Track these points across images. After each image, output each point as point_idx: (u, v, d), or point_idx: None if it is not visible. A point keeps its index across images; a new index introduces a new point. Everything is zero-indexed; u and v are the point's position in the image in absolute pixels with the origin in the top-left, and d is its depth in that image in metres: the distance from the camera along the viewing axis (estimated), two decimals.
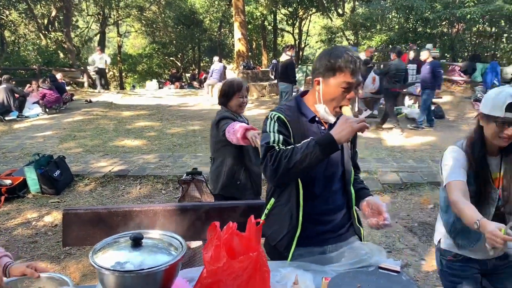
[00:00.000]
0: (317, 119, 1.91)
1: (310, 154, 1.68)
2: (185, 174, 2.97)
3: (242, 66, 15.23)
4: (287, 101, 2.05)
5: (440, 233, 2.26)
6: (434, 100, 10.90)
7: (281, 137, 1.82)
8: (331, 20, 24.40)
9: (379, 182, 5.64)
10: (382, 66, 9.85)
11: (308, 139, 1.75)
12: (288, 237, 1.91)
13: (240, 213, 2.33)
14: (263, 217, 2.01)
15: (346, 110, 1.83)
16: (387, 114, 8.88)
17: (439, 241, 2.25)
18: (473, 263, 2.13)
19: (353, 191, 2.00)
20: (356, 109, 8.78)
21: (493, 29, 16.24)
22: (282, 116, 1.87)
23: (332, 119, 1.86)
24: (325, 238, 1.95)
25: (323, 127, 1.92)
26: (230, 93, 3.04)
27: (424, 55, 9.22)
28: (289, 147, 1.76)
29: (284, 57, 9.97)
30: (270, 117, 1.90)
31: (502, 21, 15.29)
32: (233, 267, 1.42)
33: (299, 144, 1.75)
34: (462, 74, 13.55)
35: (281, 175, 1.73)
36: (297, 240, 1.91)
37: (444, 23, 16.40)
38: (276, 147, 1.79)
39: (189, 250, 2.80)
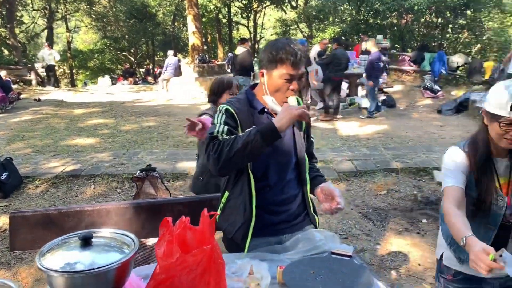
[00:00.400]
0: (266, 110, 1.93)
1: (251, 142, 1.69)
2: (138, 171, 2.91)
3: (197, 60, 15.06)
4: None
5: (441, 246, 2.03)
6: (385, 89, 11.27)
7: (225, 127, 1.83)
8: (285, 12, 24.56)
9: (334, 171, 5.77)
10: (324, 56, 10.06)
11: (250, 128, 1.77)
12: (244, 229, 1.92)
13: (196, 207, 2.31)
14: (218, 210, 2.02)
15: (291, 100, 1.86)
16: (338, 103, 9.13)
17: (441, 256, 2.03)
18: (476, 283, 1.88)
19: (308, 179, 2.03)
20: (309, 101, 8.91)
21: (439, 19, 16.91)
22: (230, 108, 1.89)
23: (275, 109, 1.87)
24: (280, 228, 1.98)
25: (273, 118, 1.94)
26: (220, 91, 3.02)
27: (367, 45, 9.50)
28: (232, 136, 1.79)
29: (240, 50, 9.95)
30: (219, 109, 1.92)
31: (447, 12, 15.94)
32: (187, 262, 1.41)
33: (242, 133, 1.78)
34: (411, 64, 14.05)
35: (223, 164, 1.75)
36: (252, 231, 1.92)
37: (393, 14, 16.89)
38: (220, 137, 1.81)
39: (146, 248, 2.75)
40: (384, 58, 12.92)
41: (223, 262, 1.52)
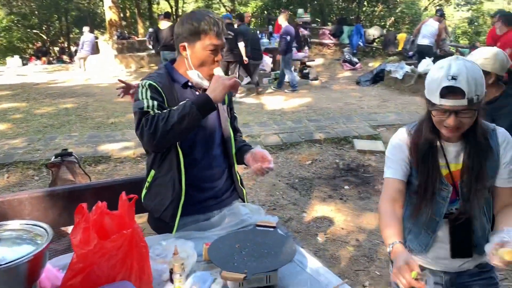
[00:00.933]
0: (190, 84, 1.88)
1: (188, 114, 1.67)
2: (53, 157, 2.73)
3: (116, 37, 14.33)
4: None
5: None
6: (308, 63, 11.54)
7: (155, 102, 1.77)
8: None
9: (262, 145, 5.85)
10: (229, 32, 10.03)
11: (184, 101, 1.73)
12: (173, 207, 1.88)
13: (118, 190, 2.22)
14: (144, 190, 1.95)
15: (217, 70, 1.83)
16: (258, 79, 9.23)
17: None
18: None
19: (234, 153, 2.03)
20: (237, 76, 8.90)
21: None
22: (153, 83, 1.81)
23: (206, 84, 1.83)
24: (209, 205, 1.97)
25: (197, 92, 1.91)
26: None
27: (279, 19, 9.63)
28: (165, 110, 1.73)
29: (164, 25, 9.57)
30: (142, 85, 1.83)
31: None
32: (105, 248, 1.35)
33: (175, 107, 1.73)
34: (331, 37, 14.47)
35: (160, 139, 1.70)
36: (181, 209, 1.90)
37: None
38: (151, 112, 1.74)
39: (67, 237, 2.61)
40: (305, 32, 13.22)
41: (146, 245, 1.49)
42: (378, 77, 10.39)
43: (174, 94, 1.85)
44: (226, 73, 8.70)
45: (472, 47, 12.28)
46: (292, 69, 10.11)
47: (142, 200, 1.95)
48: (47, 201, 2.19)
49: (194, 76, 1.83)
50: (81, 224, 1.37)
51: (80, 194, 2.23)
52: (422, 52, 9.49)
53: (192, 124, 1.71)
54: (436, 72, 1.45)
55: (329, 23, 17.74)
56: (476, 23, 16.52)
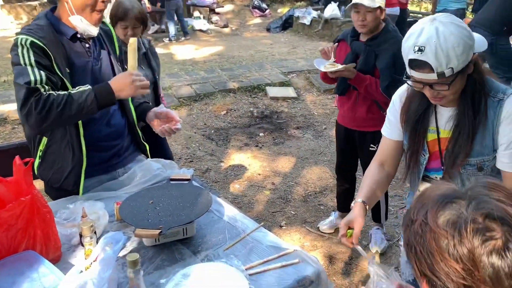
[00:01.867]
0: (79, 36, 1.71)
1: (87, 107, 1.58)
2: None
3: None
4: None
5: None
6: (217, 9, 11.21)
7: (42, 73, 1.57)
8: None
9: (174, 97, 5.69)
10: None
11: (85, 88, 1.60)
12: (75, 173, 1.76)
13: (14, 155, 2.02)
14: (37, 160, 1.78)
15: (132, 57, 1.67)
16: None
17: None
18: None
19: (132, 108, 1.93)
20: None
21: None
22: (36, 41, 1.58)
23: (94, 31, 1.68)
24: (112, 164, 1.88)
25: (87, 45, 1.74)
26: (112, 21, 2.41)
27: None
28: (62, 93, 1.57)
29: None
30: (21, 43, 1.58)
31: None
32: (2, 218, 1.24)
33: (74, 92, 1.58)
34: None
35: (50, 124, 1.59)
36: (84, 172, 1.78)
37: None
38: (42, 90, 1.56)
39: None
40: None
41: (50, 210, 1.40)
42: (287, 23, 10.45)
43: (62, 51, 1.65)
44: None
45: None
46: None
47: (36, 171, 1.80)
48: None
49: (78, 23, 1.65)
50: None
51: None
52: None
53: (87, 115, 1.64)
54: (407, 39, 1.28)
55: None
56: None
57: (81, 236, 1.44)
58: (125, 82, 1.61)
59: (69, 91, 1.60)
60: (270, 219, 3.25)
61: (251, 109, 5.48)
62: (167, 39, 9.04)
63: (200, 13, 10.94)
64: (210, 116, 5.34)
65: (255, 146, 4.51)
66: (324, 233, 3.04)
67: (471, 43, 1.25)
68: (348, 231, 1.35)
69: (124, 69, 1.88)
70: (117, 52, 1.89)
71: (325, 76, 2.46)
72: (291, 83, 6.28)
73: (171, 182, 1.69)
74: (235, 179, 3.86)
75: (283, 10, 11.98)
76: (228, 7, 12.64)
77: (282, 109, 5.51)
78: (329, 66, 2.30)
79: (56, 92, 1.58)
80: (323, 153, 4.35)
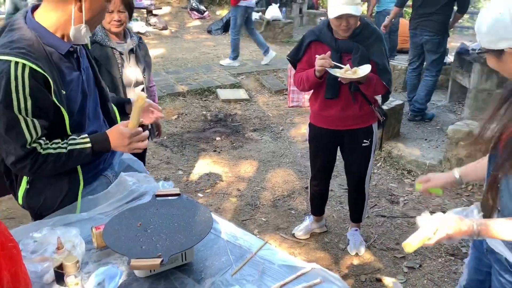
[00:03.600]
0: (72, 51, 1.43)
1: (83, 159, 1.42)
2: None
3: None
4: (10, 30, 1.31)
5: None
6: (154, 11, 10.80)
7: (37, 125, 1.31)
8: None
9: None
10: None
11: (86, 146, 1.40)
12: (70, 197, 1.52)
13: None
14: (23, 187, 1.48)
15: (135, 114, 1.43)
16: None
17: None
18: None
19: (116, 111, 1.71)
20: None
21: None
22: (36, 68, 1.26)
23: (85, 40, 1.44)
24: (99, 168, 1.63)
25: (75, 55, 1.46)
26: None
27: None
28: (61, 153, 1.36)
29: None
30: (15, 74, 1.23)
31: None
32: None
33: (74, 148, 1.38)
34: None
35: (43, 175, 1.43)
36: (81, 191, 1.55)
37: None
38: (39, 148, 1.33)
39: None
40: None
41: (16, 245, 1.12)
42: (229, 25, 10.28)
43: (56, 72, 1.35)
44: None
45: None
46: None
47: (20, 202, 1.51)
48: None
49: (79, 32, 1.37)
50: None
51: None
52: None
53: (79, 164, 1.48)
54: None
55: None
56: None
57: (56, 272, 1.17)
58: (122, 143, 1.42)
59: (68, 148, 1.38)
60: (242, 228, 3.05)
61: (204, 112, 5.25)
62: None
63: (137, 15, 10.47)
64: (160, 121, 5.03)
65: (213, 151, 4.29)
66: (300, 239, 2.91)
67: None
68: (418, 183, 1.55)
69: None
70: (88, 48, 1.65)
71: (313, 85, 2.36)
72: (242, 85, 6.12)
73: (158, 198, 1.45)
74: (197, 187, 3.63)
75: (222, 12, 11.82)
76: (166, 9, 12.25)
77: (235, 111, 5.33)
78: (350, 73, 2.13)
79: (54, 149, 1.36)
80: (284, 155, 4.23)
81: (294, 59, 2.48)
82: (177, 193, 1.46)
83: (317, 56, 2.19)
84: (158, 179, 2.26)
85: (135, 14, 10.34)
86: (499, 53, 1.18)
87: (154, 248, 1.19)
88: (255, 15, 9.81)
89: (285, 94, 5.89)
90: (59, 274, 1.17)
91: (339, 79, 2.20)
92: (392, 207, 3.32)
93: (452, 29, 4.80)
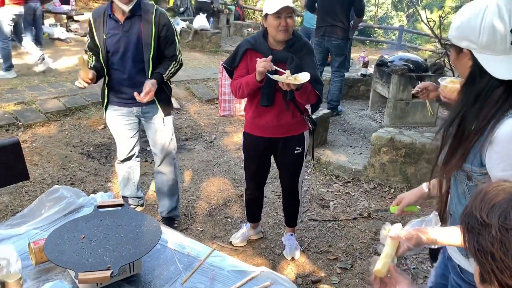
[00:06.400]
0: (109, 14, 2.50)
1: None
2: None
3: None
4: None
5: None
6: (75, 17, 10.31)
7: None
8: None
9: (40, 112, 4.99)
10: None
11: None
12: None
13: None
14: None
15: None
16: None
17: None
18: None
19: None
20: None
21: None
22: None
23: (125, 8, 2.44)
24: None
25: (120, 23, 2.50)
26: None
27: None
28: None
29: None
30: None
31: None
32: None
33: None
34: None
35: None
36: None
37: None
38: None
39: None
40: None
41: None
42: None
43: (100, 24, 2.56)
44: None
45: (236, 4, 13.19)
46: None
47: None
48: None
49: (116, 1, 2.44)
50: None
51: None
52: (201, 9, 9.65)
53: None
54: None
55: None
56: None
57: None
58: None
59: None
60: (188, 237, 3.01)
61: None
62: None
63: (57, 20, 9.92)
64: (86, 131, 4.81)
65: (144, 161, 4.18)
66: (238, 246, 2.93)
67: None
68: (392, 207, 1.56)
69: (153, 43, 2.56)
70: (153, 31, 2.52)
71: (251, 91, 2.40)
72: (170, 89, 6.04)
73: (100, 210, 1.40)
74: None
75: None
76: (87, 15, 11.75)
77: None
78: (291, 79, 2.18)
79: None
80: (218, 163, 4.24)
81: (231, 66, 2.52)
82: (120, 204, 1.42)
83: (258, 59, 2.24)
84: (86, 192, 2.16)
85: (52, 20, 9.81)
86: (459, 50, 1.23)
87: (102, 260, 1.15)
88: (182, 24, 9.78)
89: (216, 103, 5.91)
90: None
91: (277, 86, 2.27)
92: (323, 211, 3.47)
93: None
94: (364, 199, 3.66)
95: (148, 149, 4.09)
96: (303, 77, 2.20)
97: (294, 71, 2.26)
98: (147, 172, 3.93)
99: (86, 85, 2.41)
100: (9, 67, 6.24)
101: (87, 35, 2.63)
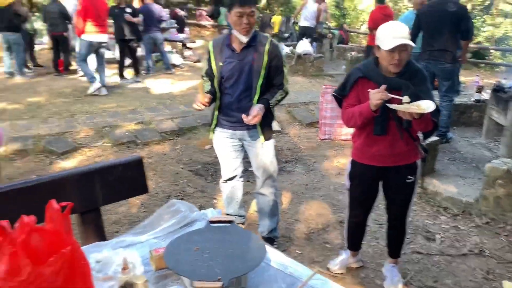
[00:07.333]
0: (227, 43, 2.73)
1: None
2: None
3: None
4: None
5: None
6: (188, 44, 11.21)
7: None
8: None
9: (156, 131, 5.49)
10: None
11: None
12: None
13: (27, 198, 1.77)
14: None
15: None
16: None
17: None
18: None
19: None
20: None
21: None
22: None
23: (243, 38, 2.62)
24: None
25: (236, 52, 2.70)
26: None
27: None
28: None
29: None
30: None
31: None
32: (43, 275, 1.04)
33: None
34: (208, 19, 14.27)
35: None
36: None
37: None
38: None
39: None
40: (182, 13, 12.80)
41: (87, 263, 1.20)
42: None
43: (220, 52, 2.78)
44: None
45: (340, 28, 13.22)
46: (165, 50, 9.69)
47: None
48: None
49: (235, 33, 2.65)
50: (5, 249, 1.02)
51: None
52: (304, 34, 9.87)
53: None
54: None
55: (203, 4, 17.46)
56: (342, 6, 17.84)
57: None
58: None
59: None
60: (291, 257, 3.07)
61: None
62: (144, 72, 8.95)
63: (173, 48, 10.88)
64: (195, 150, 5.16)
65: (246, 181, 4.35)
66: (336, 273, 2.90)
67: None
68: None
69: (263, 71, 2.71)
70: (264, 60, 2.68)
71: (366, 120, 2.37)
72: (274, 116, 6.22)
73: (212, 225, 1.52)
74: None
75: None
76: (199, 42, 12.70)
77: None
78: (414, 107, 2.12)
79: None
80: (317, 187, 4.25)
81: (340, 95, 2.53)
82: (230, 220, 1.52)
83: (370, 90, 2.23)
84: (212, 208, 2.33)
85: (169, 47, 10.71)
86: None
87: (213, 271, 1.25)
88: (286, 49, 10.08)
89: (317, 127, 5.96)
90: None
91: (391, 114, 2.24)
92: (429, 244, 3.28)
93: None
94: (475, 235, 3.39)
95: (250, 169, 4.26)
96: (426, 105, 2.11)
97: (413, 99, 2.19)
98: (249, 191, 4.08)
99: (203, 107, 2.63)
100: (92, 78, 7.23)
101: (205, 62, 2.85)
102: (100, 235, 2.00)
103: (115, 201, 2.36)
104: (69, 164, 4.60)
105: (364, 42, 13.94)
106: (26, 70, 8.83)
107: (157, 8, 8.67)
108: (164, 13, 8.97)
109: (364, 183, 2.64)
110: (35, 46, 10.11)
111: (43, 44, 11.11)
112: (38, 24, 10.68)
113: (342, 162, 4.85)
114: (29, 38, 9.40)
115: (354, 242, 2.89)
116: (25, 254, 1.03)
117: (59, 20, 8.38)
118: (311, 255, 3.14)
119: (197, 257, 1.33)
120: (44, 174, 4.08)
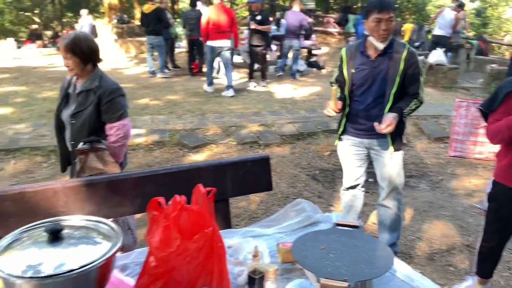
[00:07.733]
0: (362, 50, 2.69)
1: None
2: (81, 143, 2.50)
3: (115, 20, 13.95)
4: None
5: None
6: (314, 52, 11.30)
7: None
8: None
9: (277, 134, 5.65)
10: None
11: None
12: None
13: (161, 181, 2.02)
14: None
15: None
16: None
17: None
18: None
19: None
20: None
21: None
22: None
23: (379, 45, 2.58)
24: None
25: (371, 59, 2.66)
26: None
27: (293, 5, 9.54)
28: None
29: (150, 8, 9.08)
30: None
31: None
32: (189, 250, 1.16)
33: None
34: (336, 26, 14.23)
35: None
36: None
37: None
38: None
39: None
40: (310, 20, 12.95)
41: (223, 246, 1.30)
42: None
43: (353, 58, 2.76)
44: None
45: (479, 39, 12.14)
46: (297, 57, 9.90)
47: None
48: (84, 192, 1.98)
49: (371, 39, 2.61)
50: (160, 222, 1.17)
51: (121, 184, 2.02)
52: (438, 43, 9.31)
53: None
54: None
55: (331, 11, 17.47)
56: (483, 14, 16.34)
57: (249, 276, 1.32)
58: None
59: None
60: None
61: None
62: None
63: (300, 54, 11.05)
64: (313, 156, 5.20)
65: (365, 192, 4.25)
66: None
67: None
68: None
69: (398, 79, 2.62)
70: (400, 68, 2.60)
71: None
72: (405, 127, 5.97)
73: (338, 227, 1.53)
74: None
75: None
76: (324, 49, 12.73)
77: None
78: None
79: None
80: (443, 207, 3.97)
81: (488, 109, 2.34)
82: (356, 225, 1.52)
83: None
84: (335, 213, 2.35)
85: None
86: None
87: (339, 272, 1.26)
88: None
89: (446, 142, 5.56)
90: (251, 279, 1.32)
91: None
92: None
93: None
94: None
95: (369, 180, 4.15)
96: None
97: None
98: (367, 203, 3.98)
99: (335, 114, 2.64)
100: (210, 83, 8.03)
101: (337, 69, 2.85)
102: (227, 225, 2.16)
103: (242, 194, 2.52)
104: (199, 157, 4.98)
105: (507, 54, 12.61)
106: (166, 70, 9.77)
107: (298, 16, 8.98)
108: (306, 22, 9.22)
109: (506, 208, 2.39)
110: (175, 49, 11.12)
111: (181, 48, 12.18)
112: (179, 29, 11.73)
113: (474, 182, 4.46)
114: (171, 42, 10.37)
115: (486, 269, 2.63)
116: (176, 228, 1.16)
117: (196, 25, 9.13)
118: (432, 276, 2.94)
119: (323, 256, 1.35)
120: (177, 164, 4.46)
